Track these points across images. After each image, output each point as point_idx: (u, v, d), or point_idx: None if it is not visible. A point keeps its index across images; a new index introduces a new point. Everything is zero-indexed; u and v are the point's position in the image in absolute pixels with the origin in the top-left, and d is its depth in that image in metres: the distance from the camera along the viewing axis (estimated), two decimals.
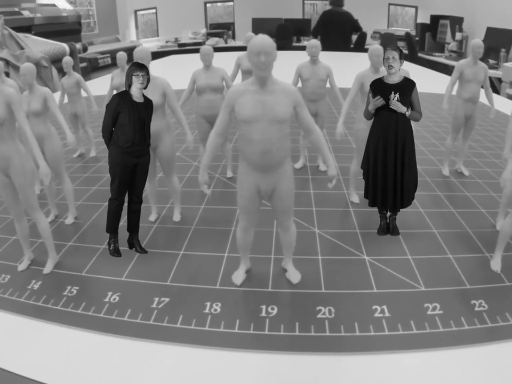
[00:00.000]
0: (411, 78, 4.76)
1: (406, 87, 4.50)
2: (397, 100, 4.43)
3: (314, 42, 6.35)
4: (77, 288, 4.11)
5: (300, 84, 6.65)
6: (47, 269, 4.42)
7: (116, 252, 4.57)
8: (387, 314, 3.66)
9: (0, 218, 5.66)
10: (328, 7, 38.41)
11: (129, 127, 4.28)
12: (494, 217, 5.38)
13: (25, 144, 4.21)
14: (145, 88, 4.35)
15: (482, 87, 6.44)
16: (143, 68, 4.26)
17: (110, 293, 4.02)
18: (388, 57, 4.40)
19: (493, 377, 3.06)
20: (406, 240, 4.86)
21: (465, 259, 4.49)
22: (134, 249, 4.72)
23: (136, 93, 4.32)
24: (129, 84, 4.30)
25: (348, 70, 12.21)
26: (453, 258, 4.50)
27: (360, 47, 35.56)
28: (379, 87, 4.56)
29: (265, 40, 3.24)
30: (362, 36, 36.92)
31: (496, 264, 4.32)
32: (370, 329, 3.49)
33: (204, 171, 3.75)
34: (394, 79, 4.52)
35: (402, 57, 4.46)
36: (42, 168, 4.05)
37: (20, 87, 6.37)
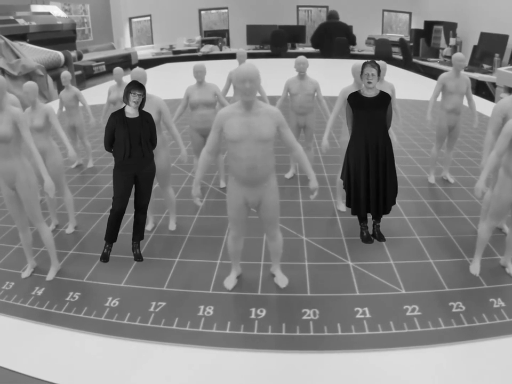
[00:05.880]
0: (388, 91, 4.98)
1: (383, 101, 4.74)
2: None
3: (302, 59, 6.53)
4: (79, 294, 4.28)
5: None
6: (50, 276, 4.59)
7: (103, 257, 4.67)
8: (368, 315, 3.86)
9: (3, 227, 5.82)
10: (322, 14, 38.91)
11: (120, 143, 4.43)
12: (476, 223, 5.54)
13: (29, 158, 4.41)
14: (140, 107, 4.51)
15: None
16: (141, 88, 4.41)
17: (110, 298, 4.19)
18: (367, 74, 4.61)
19: (467, 373, 3.25)
20: (389, 246, 5.04)
21: (445, 263, 4.66)
22: (134, 252, 4.89)
23: (130, 109, 4.47)
24: (127, 100, 4.45)
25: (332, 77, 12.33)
26: (433, 263, 4.68)
27: (344, 53, 35.91)
28: (357, 100, 4.79)
29: (250, 69, 3.51)
30: (345, 42, 37.25)
31: (475, 268, 4.50)
32: (351, 329, 3.69)
33: (197, 185, 3.98)
34: (371, 93, 4.75)
35: (379, 74, 4.67)
36: (47, 182, 4.25)
37: (18, 96, 6.56)
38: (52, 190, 4.31)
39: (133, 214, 4.89)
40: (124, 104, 4.53)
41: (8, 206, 4.41)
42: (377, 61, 4.86)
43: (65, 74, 7.59)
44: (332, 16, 38.16)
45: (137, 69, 5.13)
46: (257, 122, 3.64)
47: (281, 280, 4.36)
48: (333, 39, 36.70)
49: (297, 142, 3.93)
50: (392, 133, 5.55)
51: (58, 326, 3.85)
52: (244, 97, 3.57)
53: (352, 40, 37.54)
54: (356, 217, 5.46)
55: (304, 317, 3.87)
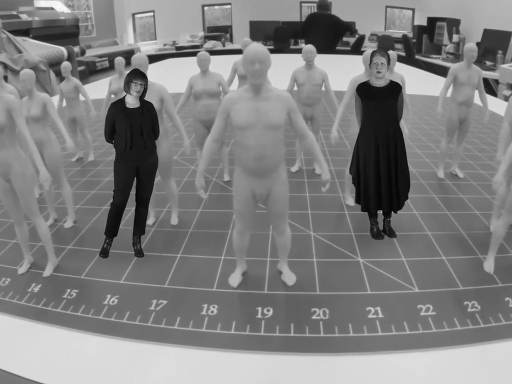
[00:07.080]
0: (398, 82, 4.81)
1: (393, 90, 4.56)
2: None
3: (310, 48, 6.37)
4: (76, 291, 4.15)
5: (295, 88, 6.73)
6: (47, 272, 4.46)
7: (103, 253, 4.53)
8: (380, 315, 3.70)
9: (0, 222, 5.69)
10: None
11: (121, 135, 4.29)
12: (487, 219, 5.41)
13: (25, 149, 4.26)
14: (141, 97, 4.35)
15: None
16: (143, 77, 4.25)
17: (109, 296, 4.05)
18: (376, 63, 4.44)
19: (485, 376, 3.09)
20: (400, 242, 4.90)
21: (458, 261, 4.52)
22: (135, 247, 4.76)
23: (130, 99, 4.32)
24: (128, 89, 4.29)
25: (343, 72, 12.25)
26: (446, 260, 4.53)
27: (357, 49, 35.71)
28: (366, 90, 4.62)
29: (259, 49, 3.30)
30: (360, 39, 37.07)
31: (489, 265, 4.36)
32: (364, 330, 3.53)
33: (201, 176, 3.79)
34: (381, 82, 4.57)
35: (389, 63, 4.52)
36: (42, 173, 4.10)
37: (19, 90, 6.42)
38: (48, 181, 4.16)
39: (134, 208, 4.75)
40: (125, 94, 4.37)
41: (3, 199, 4.27)
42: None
43: (65, 65, 7.47)
44: (321, 6, 37.86)
45: (138, 54, 4.93)
46: (266, 107, 3.44)
47: (289, 277, 4.20)
48: (320, 30, 36.53)
49: (308, 130, 3.74)
50: (403, 125, 5.36)
51: (55, 324, 3.71)
52: (253, 79, 3.36)
53: (347, 27, 37.19)
54: (365, 212, 5.31)
55: (314, 317, 3.71)
